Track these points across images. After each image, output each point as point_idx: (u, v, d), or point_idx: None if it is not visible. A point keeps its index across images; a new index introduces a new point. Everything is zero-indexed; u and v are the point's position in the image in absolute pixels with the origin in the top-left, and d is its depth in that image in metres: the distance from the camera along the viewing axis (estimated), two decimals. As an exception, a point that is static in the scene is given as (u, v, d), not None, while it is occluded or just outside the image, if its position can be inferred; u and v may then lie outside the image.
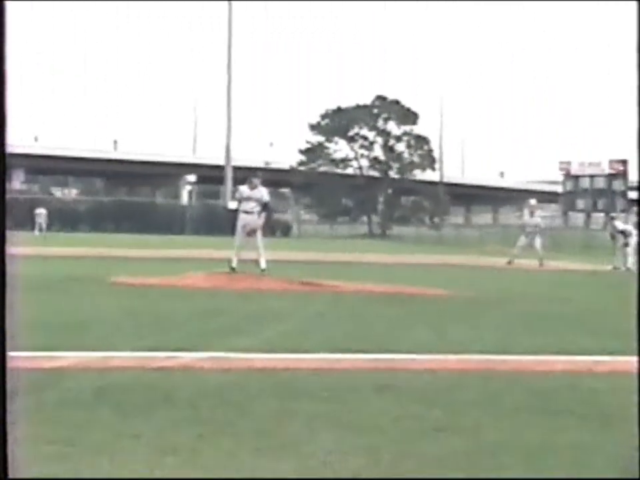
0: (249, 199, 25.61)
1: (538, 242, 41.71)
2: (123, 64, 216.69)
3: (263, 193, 25.74)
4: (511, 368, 11.09)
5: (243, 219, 25.38)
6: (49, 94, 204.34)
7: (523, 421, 8.09)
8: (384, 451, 6.77)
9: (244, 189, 26.11)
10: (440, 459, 6.64)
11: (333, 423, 7.67)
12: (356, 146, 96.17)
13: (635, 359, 12.06)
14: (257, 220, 25.36)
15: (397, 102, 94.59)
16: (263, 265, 25.09)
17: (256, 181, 26.21)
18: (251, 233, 25.34)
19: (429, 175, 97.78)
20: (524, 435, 7.52)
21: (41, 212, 67.57)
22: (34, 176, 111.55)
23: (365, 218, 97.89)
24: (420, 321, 16.27)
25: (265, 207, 25.57)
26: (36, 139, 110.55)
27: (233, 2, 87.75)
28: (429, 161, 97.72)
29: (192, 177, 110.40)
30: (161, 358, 10.57)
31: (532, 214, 44.38)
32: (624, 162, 76.96)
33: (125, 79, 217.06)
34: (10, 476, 2.72)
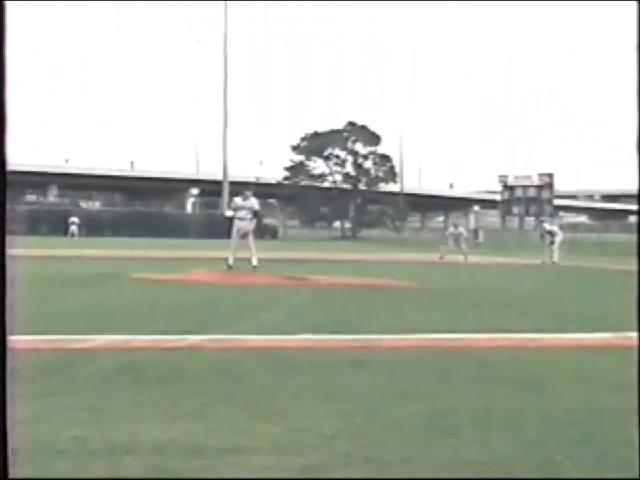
0: (242, 208, 25.98)
1: (463, 243, 42.16)
2: (129, 92, 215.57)
3: (254, 202, 26.13)
4: (461, 345, 11.12)
5: (237, 224, 25.63)
6: (78, 121, 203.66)
7: (471, 388, 8.09)
8: (357, 414, 6.76)
9: (238, 200, 26.64)
10: (403, 421, 6.63)
11: (315, 392, 7.66)
12: (330, 164, 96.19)
13: (561, 335, 12.12)
14: (249, 225, 25.62)
15: (364, 127, 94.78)
16: (255, 262, 25.23)
17: (247, 193, 26.84)
18: (244, 236, 25.54)
19: (391, 187, 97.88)
20: (472, 400, 7.51)
21: (74, 220, 67.76)
22: (65, 191, 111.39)
23: (338, 223, 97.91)
24: (386, 307, 16.28)
25: (255, 214, 25.99)
26: (67, 161, 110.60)
27: (228, 38, 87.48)
28: (391, 175, 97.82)
29: (195, 191, 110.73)
30: (172, 339, 10.54)
31: (476, 218, 44.72)
32: (550, 175, 77.82)
33: (136, 107, 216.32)
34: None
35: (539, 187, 78.02)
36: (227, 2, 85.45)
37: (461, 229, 44.38)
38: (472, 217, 72.51)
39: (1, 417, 2.58)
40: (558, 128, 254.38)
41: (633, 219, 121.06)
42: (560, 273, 31.94)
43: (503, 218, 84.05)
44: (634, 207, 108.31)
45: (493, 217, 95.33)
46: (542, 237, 42.44)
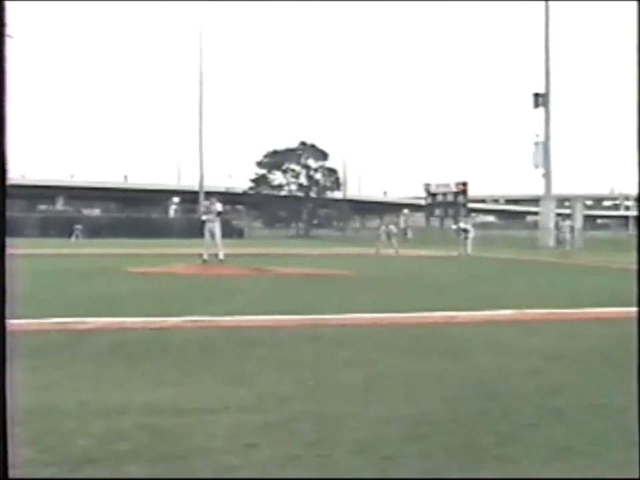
0: (209, 210, 26.27)
1: (394, 239, 42.39)
2: (122, 117, 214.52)
3: (218, 206, 26.33)
4: (394, 322, 11.13)
5: (207, 225, 25.80)
6: (81, 143, 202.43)
7: (402, 357, 8.11)
8: (309, 379, 6.76)
9: (206, 203, 27.56)
10: (347, 384, 6.64)
11: (275, 362, 7.65)
12: (287, 176, 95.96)
13: (474, 312, 12.18)
14: (216, 225, 25.68)
15: (314, 145, 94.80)
16: (221, 256, 25.27)
17: (213, 199, 27.60)
18: (212, 234, 25.60)
19: (337, 194, 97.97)
20: (404, 366, 7.53)
21: (78, 227, 67.54)
22: (70, 201, 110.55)
23: (294, 224, 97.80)
24: (333, 292, 16.29)
25: (219, 214, 26.13)
26: (72, 176, 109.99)
27: (203, 70, 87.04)
28: (337, 185, 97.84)
29: (176, 199, 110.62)
30: (158, 321, 10.48)
31: (405, 219, 44.93)
32: (464, 183, 78.24)
33: (128, 130, 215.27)
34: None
35: (456, 193, 78.31)
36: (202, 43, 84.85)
37: (392, 227, 44.47)
38: (402, 218, 72.66)
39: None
40: (470, 143, 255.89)
41: (530, 218, 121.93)
42: (473, 263, 32.10)
43: (427, 218, 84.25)
44: (532, 209, 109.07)
45: (419, 218, 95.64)
46: (458, 233, 42.68)
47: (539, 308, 12.93)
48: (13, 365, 2.53)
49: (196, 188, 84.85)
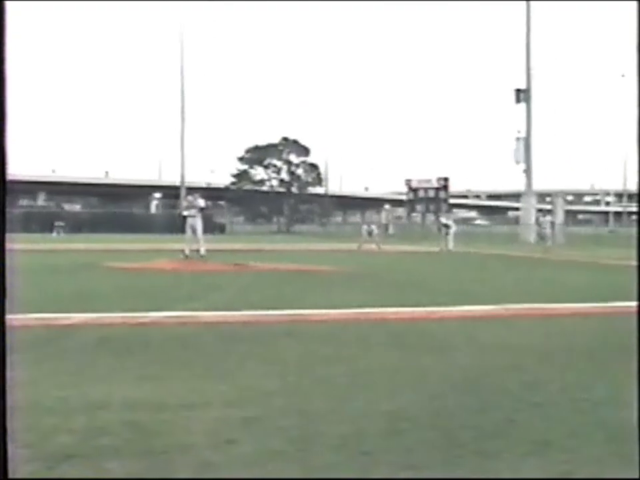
0: (192, 206, 26.25)
1: (375, 233, 42.46)
2: (104, 112, 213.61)
3: (200, 202, 26.33)
4: (375, 317, 11.15)
5: (189, 221, 25.84)
6: (62, 138, 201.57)
7: (384, 352, 8.13)
8: (290, 375, 6.77)
9: (190, 198, 27.56)
10: (328, 379, 6.65)
11: (256, 357, 7.66)
12: (269, 171, 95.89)
13: (455, 307, 12.21)
14: (198, 221, 25.66)
15: (296, 141, 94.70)
16: (203, 252, 25.30)
17: (196, 194, 27.79)
18: (194, 230, 25.60)
19: (318, 190, 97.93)
20: (385, 362, 7.55)
21: (60, 223, 67.44)
22: (52, 196, 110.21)
23: (275, 219, 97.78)
24: (314, 288, 16.30)
25: (201, 210, 26.13)
26: (53, 171, 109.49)
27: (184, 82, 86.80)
28: (318, 180, 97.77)
29: (158, 194, 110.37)
30: (139, 316, 10.47)
31: (387, 215, 45.06)
32: (446, 179, 78.35)
33: (110, 126, 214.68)
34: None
35: (437, 189, 78.43)
36: (183, 39, 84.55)
37: (373, 227, 44.55)
38: (384, 214, 72.95)
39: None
40: (452, 139, 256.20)
41: (511, 214, 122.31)
42: (454, 258, 32.20)
43: (409, 214, 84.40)
44: (513, 204, 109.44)
45: (400, 214, 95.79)
46: (439, 229, 42.82)
47: (519, 303, 12.98)
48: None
49: (177, 183, 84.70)
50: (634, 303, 13.59)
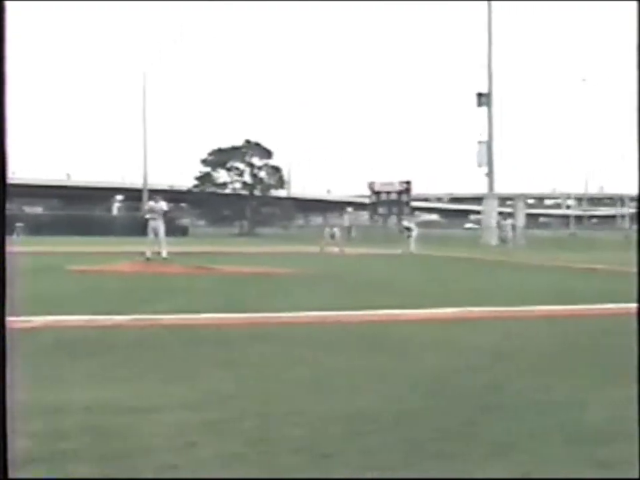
0: (153, 210, 26.23)
1: (338, 236, 42.51)
2: (67, 113, 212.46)
3: (163, 205, 26.40)
4: (339, 320, 11.15)
5: (151, 224, 25.83)
6: (23, 138, 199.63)
7: (347, 355, 8.14)
8: (252, 378, 6.77)
9: (151, 203, 27.52)
10: (291, 382, 6.65)
11: (219, 361, 7.64)
12: (232, 174, 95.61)
13: (418, 310, 12.24)
14: (160, 224, 25.64)
15: (258, 144, 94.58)
16: (164, 254, 25.25)
17: (157, 197, 27.80)
18: (156, 232, 25.55)
19: (281, 193, 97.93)
20: (348, 364, 7.56)
21: (19, 224, 67.01)
22: (12, 198, 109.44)
23: (238, 222, 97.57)
24: (277, 290, 16.29)
25: (164, 213, 26.19)
26: (13, 173, 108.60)
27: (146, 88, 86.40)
28: (280, 183, 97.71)
29: (120, 197, 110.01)
30: (100, 319, 10.41)
31: (349, 218, 45.15)
32: (408, 182, 78.71)
33: (72, 127, 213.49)
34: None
35: (400, 192, 78.70)
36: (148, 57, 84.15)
37: (336, 230, 44.57)
38: (346, 217, 72.86)
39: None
40: (414, 142, 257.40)
41: (473, 217, 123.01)
42: (416, 261, 32.28)
43: (371, 217, 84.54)
44: (475, 207, 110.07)
45: (363, 217, 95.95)
46: (401, 231, 42.95)
47: (481, 306, 13.05)
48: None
49: (140, 186, 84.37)
50: (594, 306, 13.74)
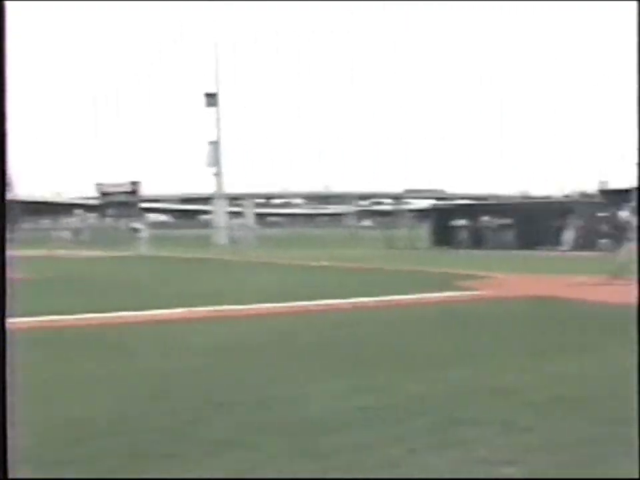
0: None
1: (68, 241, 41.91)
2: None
3: None
4: (61, 324, 10.88)
5: None
6: None
7: (68, 360, 8.00)
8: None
9: None
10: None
11: None
12: None
13: (142, 312, 12.15)
14: None
15: None
16: None
17: None
18: None
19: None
20: (70, 369, 7.44)
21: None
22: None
23: None
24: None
25: None
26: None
27: None
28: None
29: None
30: None
31: (80, 219, 44.36)
32: (135, 183, 78.43)
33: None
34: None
35: (128, 193, 78.04)
36: None
37: (65, 233, 43.55)
38: (76, 219, 71.38)
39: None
40: (145, 141, 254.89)
41: (203, 217, 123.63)
42: (145, 262, 31.96)
43: (102, 219, 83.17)
44: (206, 208, 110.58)
45: (93, 219, 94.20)
46: (131, 233, 42.59)
47: (206, 305, 13.11)
48: None
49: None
50: (322, 301, 14.13)
